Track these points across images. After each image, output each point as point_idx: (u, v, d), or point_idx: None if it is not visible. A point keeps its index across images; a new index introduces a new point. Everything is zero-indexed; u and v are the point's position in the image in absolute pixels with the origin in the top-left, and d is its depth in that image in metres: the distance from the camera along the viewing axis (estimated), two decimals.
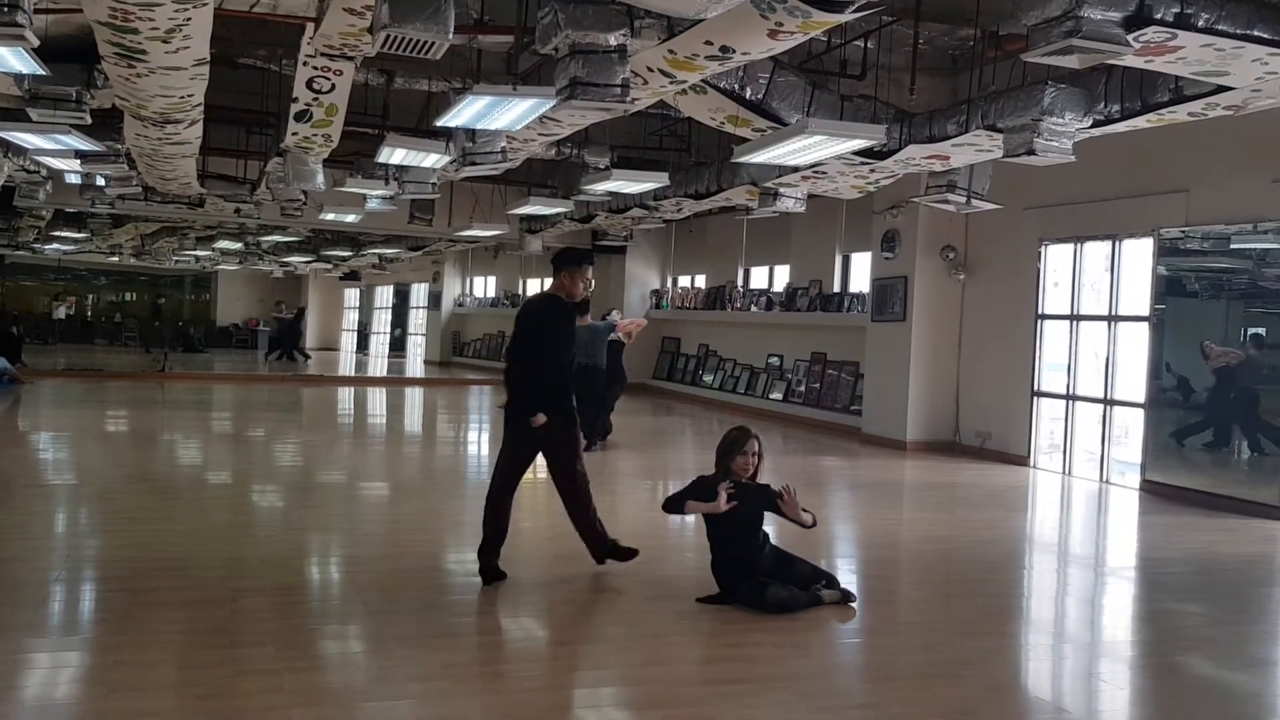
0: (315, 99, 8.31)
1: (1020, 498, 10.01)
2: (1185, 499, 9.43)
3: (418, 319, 31.80)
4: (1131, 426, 10.51)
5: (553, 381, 5.88)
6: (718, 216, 16.07)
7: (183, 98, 8.06)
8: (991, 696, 4.34)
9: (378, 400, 19.57)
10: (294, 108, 8.55)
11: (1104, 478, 10.63)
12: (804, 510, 5.55)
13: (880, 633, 5.30)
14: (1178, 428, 10.02)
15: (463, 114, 7.37)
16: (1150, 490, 9.89)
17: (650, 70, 6.71)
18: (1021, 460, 11.50)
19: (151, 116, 8.79)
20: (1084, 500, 10.10)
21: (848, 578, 5.91)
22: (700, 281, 19.43)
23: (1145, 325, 10.18)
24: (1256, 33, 5.41)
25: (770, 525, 5.65)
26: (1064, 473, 11.12)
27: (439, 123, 7.85)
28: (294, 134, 9.26)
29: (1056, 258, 11.42)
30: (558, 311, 6.02)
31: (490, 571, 5.78)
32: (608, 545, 6.08)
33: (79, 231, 22.69)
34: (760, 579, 5.30)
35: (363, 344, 35.21)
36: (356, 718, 3.88)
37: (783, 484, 5.66)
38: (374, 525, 7.74)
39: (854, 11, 5.18)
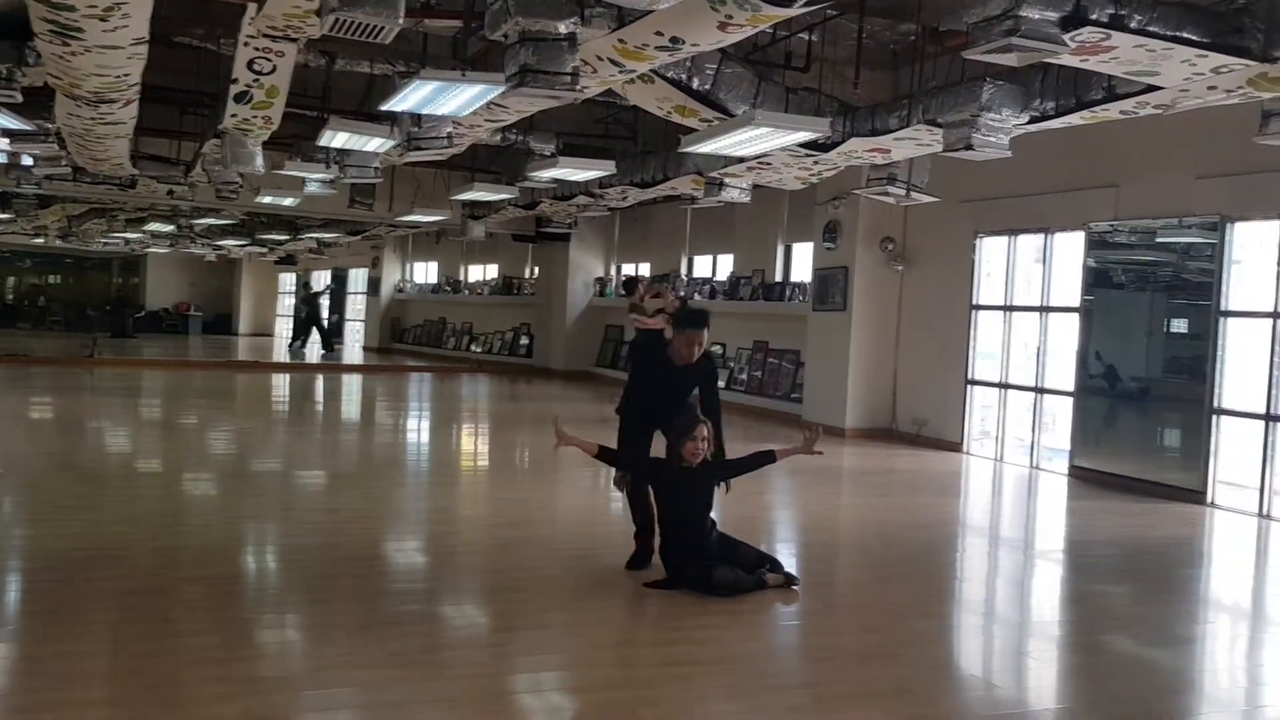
0: (256, 80, 8.19)
1: (954, 483, 10.26)
2: (1112, 484, 9.74)
3: (356, 304, 31.43)
4: (1061, 414, 10.82)
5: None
6: (662, 205, 16.12)
7: (119, 77, 7.91)
8: (928, 675, 4.49)
9: (315, 387, 19.36)
10: (233, 89, 8.42)
11: (1034, 464, 10.93)
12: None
13: (821, 614, 5.44)
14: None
15: (409, 98, 7.34)
16: (1078, 476, 10.19)
17: (600, 59, 6.74)
18: (955, 447, 11.77)
19: (86, 96, 8.60)
20: (1014, 485, 10.38)
21: (789, 561, 6.02)
22: (645, 269, 19.49)
23: (1075, 316, 10.48)
24: (1185, 34, 5.60)
25: (716, 512, 5.75)
26: (996, 459, 11.40)
27: (384, 107, 7.81)
28: (233, 115, 9.12)
29: (991, 250, 11.68)
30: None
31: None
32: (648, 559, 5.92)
33: (2, 212, 22.05)
34: (707, 562, 5.40)
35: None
36: (300, 706, 3.88)
37: (812, 426, 6.02)
38: (313, 513, 7.66)
39: (802, 6, 5.26)
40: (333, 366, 23.08)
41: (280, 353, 28.11)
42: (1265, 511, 8.66)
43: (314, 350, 25.72)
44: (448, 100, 7.37)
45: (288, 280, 36.11)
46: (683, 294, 14.16)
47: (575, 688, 4.23)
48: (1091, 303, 10.34)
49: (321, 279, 29.40)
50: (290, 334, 27.43)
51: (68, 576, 5.36)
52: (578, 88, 6.31)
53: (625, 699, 4.09)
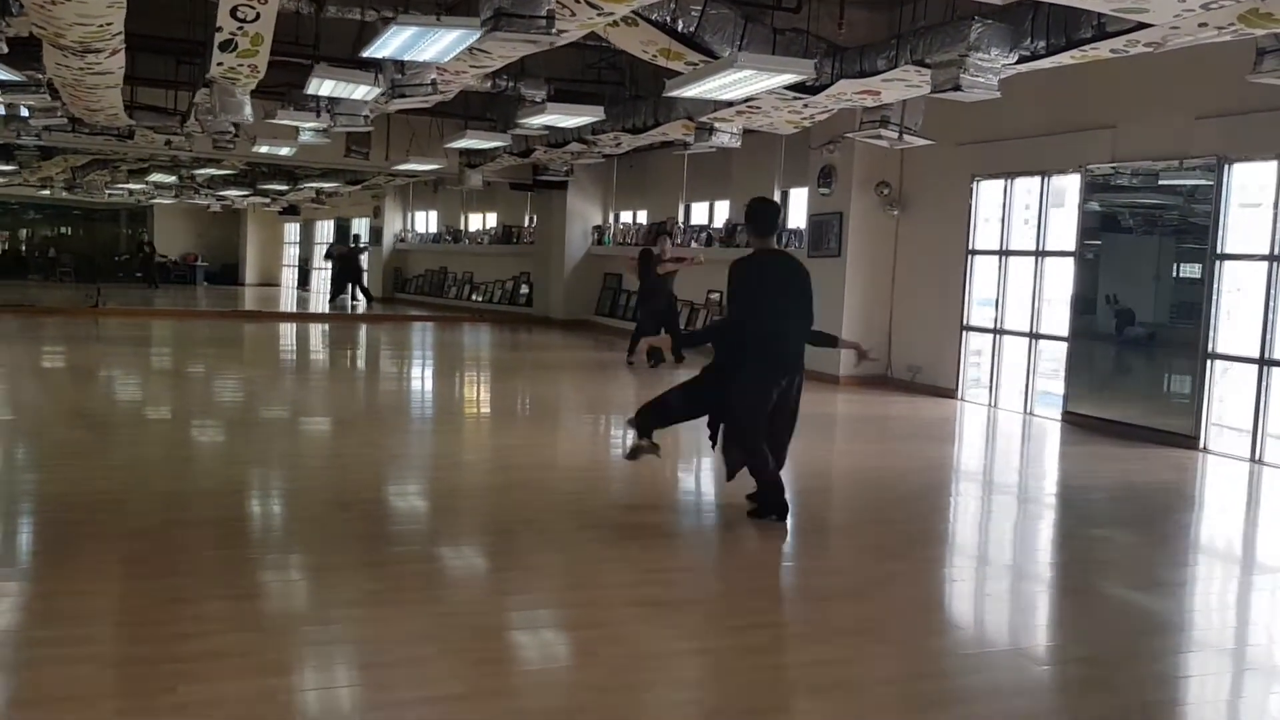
0: (240, 28, 8.13)
1: (946, 429, 10.26)
2: (1105, 430, 9.73)
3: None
4: (1058, 360, 10.78)
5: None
6: (659, 152, 16.00)
7: (101, 26, 7.85)
8: (892, 615, 4.52)
9: (319, 336, 19.42)
10: (218, 37, 8.36)
11: (1029, 410, 10.92)
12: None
13: (795, 557, 5.48)
14: None
15: (388, 45, 7.28)
16: (1072, 421, 10.18)
17: (577, 1, 6.65)
18: (950, 394, 11.75)
19: (71, 45, 8.55)
20: (1007, 432, 10.38)
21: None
22: (642, 217, 19.40)
23: (1071, 261, 10.40)
24: None
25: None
26: (991, 405, 11.39)
27: (364, 53, 7.75)
28: (219, 64, 9.06)
29: (988, 194, 11.57)
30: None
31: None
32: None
33: (6, 164, 22.06)
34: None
35: (304, 280, 34.72)
36: (294, 642, 3.97)
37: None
38: (315, 459, 7.77)
39: None
40: (337, 316, 23.14)
41: (289, 301, 28.21)
42: (1258, 456, 8.64)
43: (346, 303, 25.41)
44: (427, 46, 7.31)
45: (292, 230, 36.11)
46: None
47: (540, 625, 4.27)
48: (1088, 247, 10.26)
49: (361, 233, 28.45)
50: (330, 288, 26.56)
51: (69, 519, 5.46)
52: (553, 31, 6.25)
53: (587, 639, 4.15)
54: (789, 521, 5.77)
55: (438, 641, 3.96)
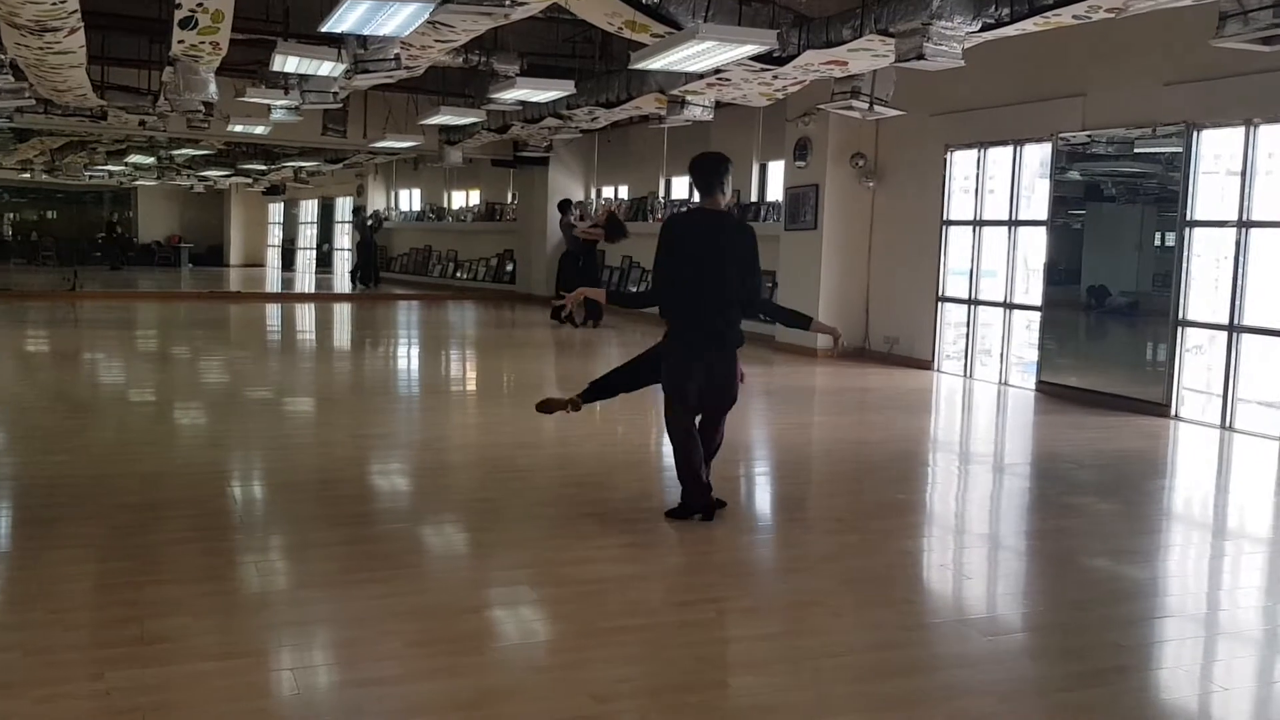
0: (200, 4, 8.03)
1: (921, 400, 10.24)
2: (1078, 398, 9.72)
3: (343, 234, 31.20)
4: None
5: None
6: (639, 127, 15.90)
7: (55, 4, 7.73)
8: (841, 587, 4.50)
9: (305, 317, 19.34)
10: (178, 14, 8.27)
11: (1003, 380, 10.90)
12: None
13: (751, 531, 5.45)
14: None
15: (346, 19, 7.20)
16: (1045, 391, 10.17)
17: None
18: (927, 365, 11.73)
19: (27, 24, 8.43)
20: (981, 402, 10.37)
21: (745, 483, 6.02)
22: (624, 192, 19.30)
23: (1044, 230, 10.36)
24: None
25: None
26: (966, 376, 11.37)
27: (322, 28, 7.65)
28: (180, 41, 8.96)
29: (962, 163, 11.51)
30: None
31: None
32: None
33: None
34: None
35: (288, 260, 34.55)
36: (274, 620, 3.97)
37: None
38: (301, 438, 7.76)
39: None
40: (322, 296, 23.02)
41: (272, 282, 28.06)
42: (1228, 423, 8.64)
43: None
44: (385, 20, 7.22)
45: (277, 210, 35.92)
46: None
47: (481, 606, 4.24)
48: (1060, 216, 10.21)
49: (378, 209, 27.26)
50: (353, 266, 25.38)
51: (50, 500, 5.47)
52: (509, 3, 6.17)
53: (529, 617, 4.13)
54: (763, 495, 5.70)
55: (372, 624, 3.93)
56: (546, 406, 5.92)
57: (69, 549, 4.69)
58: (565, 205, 17.13)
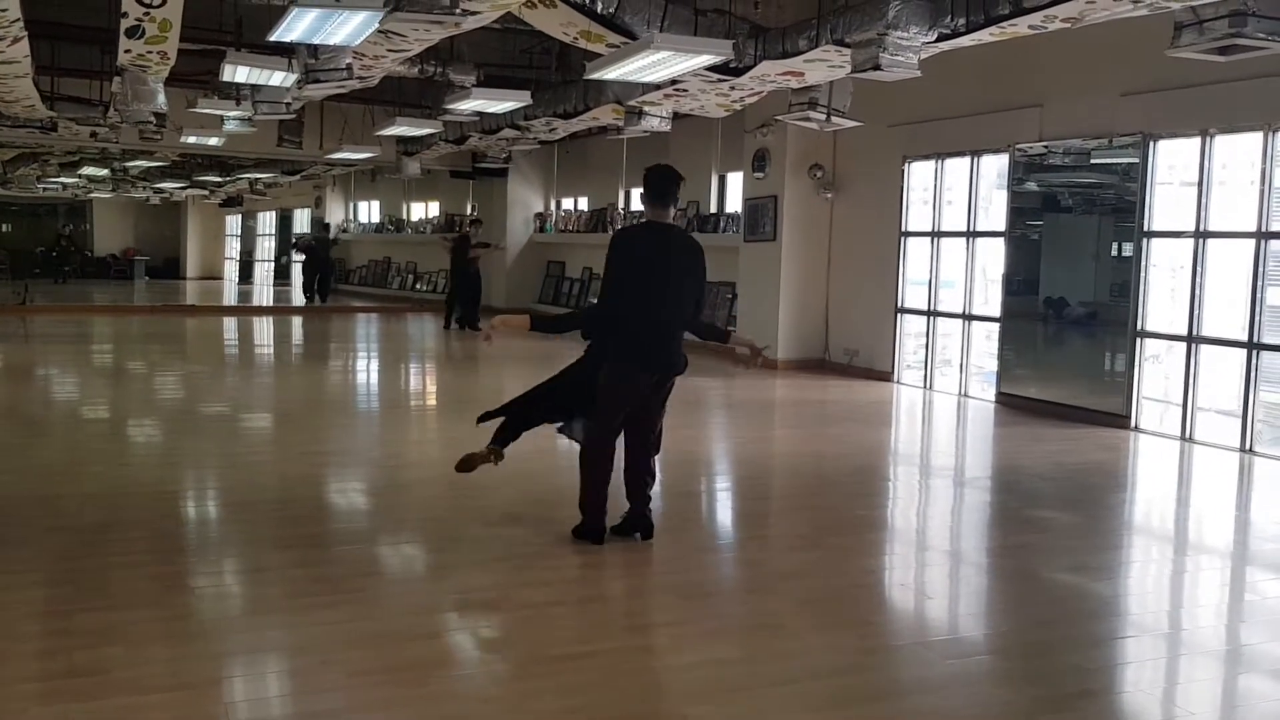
0: (146, 14, 7.85)
1: (880, 412, 10.19)
2: (1038, 410, 9.71)
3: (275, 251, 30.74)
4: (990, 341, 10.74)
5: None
6: (598, 138, 15.81)
7: None
8: (804, 608, 4.39)
9: (261, 330, 19.01)
10: (124, 23, 8.08)
11: (963, 391, 10.88)
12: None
13: (706, 551, 5.34)
14: None
15: (294, 28, 7.03)
16: (1004, 403, 10.15)
17: None
18: (886, 376, 11.69)
19: None
20: (940, 414, 10.33)
21: (705, 499, 5.90)
22: (583, 204, 19.20)
23: (1002, 241, 10.36)
24: None
25: None
26: (926, 387, 11.34)
27: (270, 37, 7.49)
28: (127, 51, 8.78)
29: (920, 174, 11.50)
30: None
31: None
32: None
33: None
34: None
35: (246, 273, 34.08)
36: (213, 649, 3.82)
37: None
38: (257, 455, 7.59)
39: None
40: (280, 309, 22.67)
41: (230, 295, 27.66)
42: (1188, 435, 8.64)
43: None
44: (335, 29, 7.06)
45: (234, 222, 35.46)
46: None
47: (430, 632, 4.09)
48: (1017, 227, 10.21)
49: (332, 223, 26.75)
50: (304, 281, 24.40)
51: None
52: (458, 11, 6.05)
53: (481, 644, 3.99)
54: (723, 511, 5.59)
55: (316, 653, 3.77)
56: (467, 465, 5.42)
57: None
58: (464, 238, 18.01)
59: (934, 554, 5.59)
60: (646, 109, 10.22)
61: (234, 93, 11.49)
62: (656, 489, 5.37)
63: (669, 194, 5.12)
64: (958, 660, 3.91)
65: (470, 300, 17.17)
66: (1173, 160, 9.00)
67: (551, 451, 6.72)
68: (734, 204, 14.73)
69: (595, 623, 4.18)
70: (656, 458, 5.31)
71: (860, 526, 5.91)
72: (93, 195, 31.84)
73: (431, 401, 11.30)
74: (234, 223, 35.43)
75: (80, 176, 25.24)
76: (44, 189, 28.83)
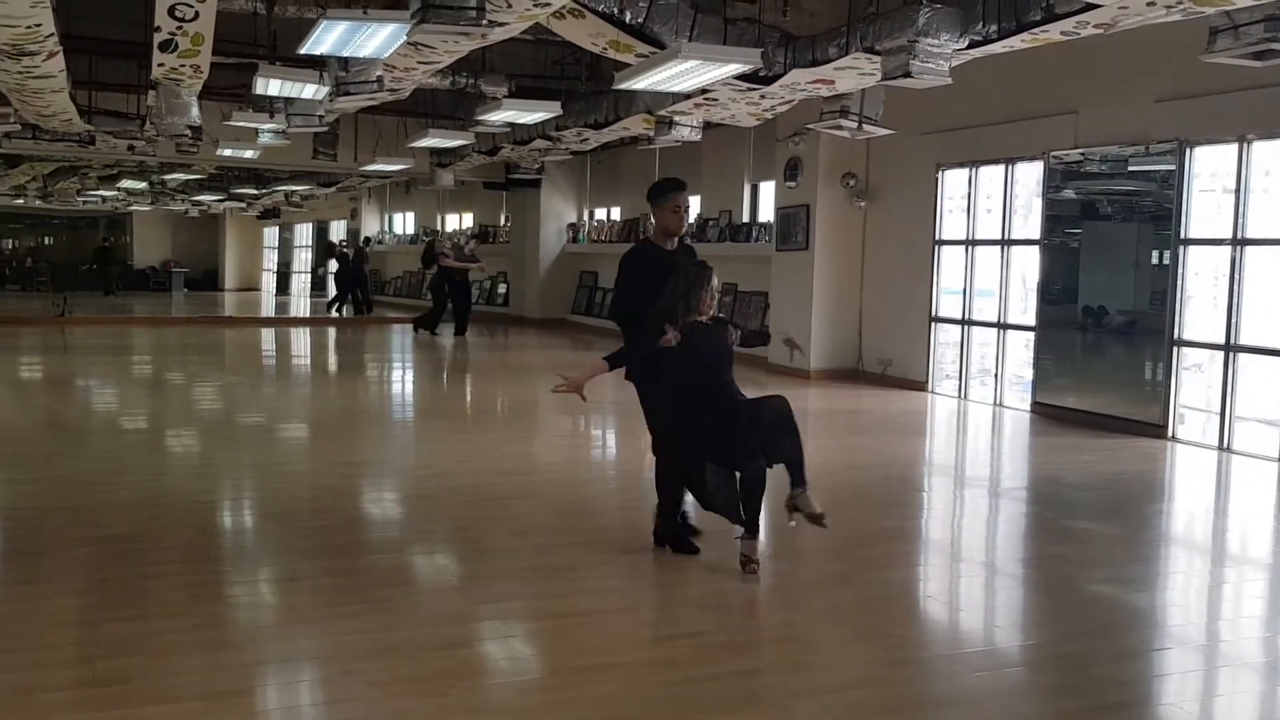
0: (179, 28, 7.93)
1: (915, 423, 10.08)
2: (1074, 420, 9.56)
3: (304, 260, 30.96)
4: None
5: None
6: (630, 148, 15.82)
7: (30, 27, 7.63)
8: (828, 619, 4.34)
9: (298, 341, 19.17)
10: (157, 37, 8.18)
11: (998, 401, 10.75)
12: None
13: (730, 562, 5.26)
14: None
15: (323, 41, 7.10)
16: (1040, 412, 10.01)
17: None
18: (921, 386, 11.58)
19: (3, 48, 8.34)
20: (975, 424, 10.21)
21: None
22: (616, 214, 19.21)
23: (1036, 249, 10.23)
24: None
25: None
26: (960, 397, 11.22)
27: (300, 50, 7.56)
28: (160, 65, 8.88)
29: (954, 182, 11.40)
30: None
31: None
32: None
33: None
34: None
35: (283, 285, 34.40)
36: (236, 660, 3.82)
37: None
38: (290, 465, 7.64)
39: None
40: (317, 320, 22.82)
41: (267, 307, 27.92)
42: (1226, 444, 8.48)
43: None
44: (364, 41, 7.13)
45: (271, 234, 35.85)
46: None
47: (454, 642, 4.07)
48: (1053, 235, 10.09)
49: (362, 236, 26.37)
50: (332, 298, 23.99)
51: (38, 527, 5.41)
52: (484, 22, 6.06)
53: (504, 654, 3.96)
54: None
55: (340, 662, 3.77)
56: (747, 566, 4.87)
57: (26, 585, 4.53)
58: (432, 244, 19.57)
59: (967, 565, 5.51)
60: (677, 118, 10.22)
61: (268, 105, 11.57)
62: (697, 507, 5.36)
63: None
64: (988, 672, 3.84)
65: (460, 310, 18.27)
66: (1214, 167, 8.85)
67: (584, 463, 6.69)
68: (766, 213, 14.67)
69: (617, 634, 4.14)
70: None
71: (892, 537, 5.84)
72: (132, 208, 32.32)
73: (466, 411, 11.33)
74: (271, 235, 35.83)
75: (119, 189, 25.62)
76: (84, 202, 29.28)
